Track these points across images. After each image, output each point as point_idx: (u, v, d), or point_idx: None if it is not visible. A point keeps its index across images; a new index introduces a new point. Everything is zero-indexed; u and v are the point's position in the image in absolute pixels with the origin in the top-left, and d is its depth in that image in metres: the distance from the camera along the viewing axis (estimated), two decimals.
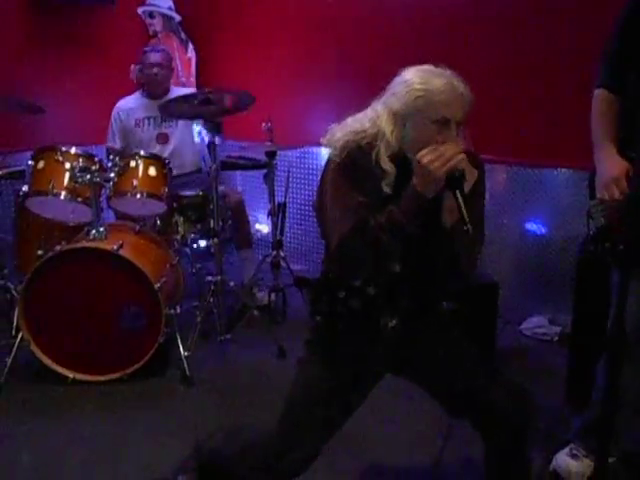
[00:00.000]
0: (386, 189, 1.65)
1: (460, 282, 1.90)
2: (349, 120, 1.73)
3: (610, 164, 1.97)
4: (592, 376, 2.26)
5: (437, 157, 1.56)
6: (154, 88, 3.84)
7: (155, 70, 3.77)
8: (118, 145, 3.84)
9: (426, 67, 1.66)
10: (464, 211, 1.55)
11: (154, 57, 3.80)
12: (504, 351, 3.21)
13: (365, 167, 1.65)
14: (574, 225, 3.36)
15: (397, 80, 1.68)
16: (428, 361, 1.82)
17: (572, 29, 3.30)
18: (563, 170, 3.53)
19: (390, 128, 1.64)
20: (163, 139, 3.86)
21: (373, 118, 1.68)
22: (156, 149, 3.73)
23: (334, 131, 1.73)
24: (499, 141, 3.53)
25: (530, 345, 3.39)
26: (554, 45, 3.38)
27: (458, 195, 1.57)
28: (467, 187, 1.60)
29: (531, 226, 3.69)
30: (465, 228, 1.55)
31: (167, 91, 3.86)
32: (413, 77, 1.63)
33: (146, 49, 3.96)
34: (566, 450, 2.30)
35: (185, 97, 3.41)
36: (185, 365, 3.00)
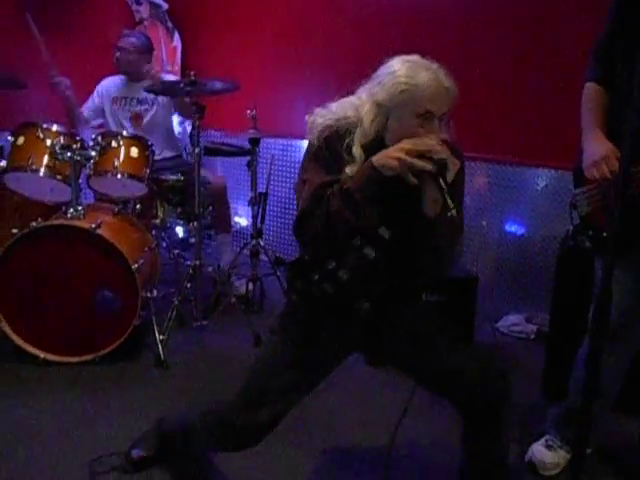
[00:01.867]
0: (348, 172, 1.64)
1: (441, 271, 1.90)
2: (333, 106, 1.73)
3: (599, 144, 1.97)
4: (568, 369, 2.28)
5: (409, 146, 1.57)
6: (125, 71, 3.85)
7: (124, 55, 3.77)
8: (85, 113, 3.85)
9: (413, 58, 1.66)
10: (448, 198, 1.56)
11: (125, 41, 3.79)
12: (481, 346, 3.21)
13: (336, 152, 1.66)
14: (554, 225, 3.41)
15: (383, 69, 1.68)
16: (403, 343, 1.82)
17: (555, 30, 3.34)
18: (544, 170, 3.55)
19: (371, 117, 1.64)
20: (137, 121, 3.85)
21: (356, 105, 1.68)
22: (129, 130, 3.69)
23: (317, 114, 1.73)
24: (480, 139, 3.56)
25: (506, 342, 3.41)
26: (537, 45, 3.42)
27: (442, 183, 1.57)
28: (450, 176, 1.61)
29: (511, 225, 3.71)
30: (449, 214, 1.55)
31: (145, 74, 3.84)
32: (400, 68, 1.63)
33: (124, 33, 3.94)
34: (541, 441, 2.31)
35: (171, 81, 3.39)
36: (160, 349, 2.96)
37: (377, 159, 1.58)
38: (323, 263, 1.70)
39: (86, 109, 3.90)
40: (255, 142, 3.48)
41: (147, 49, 3.87)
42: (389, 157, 1.57)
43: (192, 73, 3.16)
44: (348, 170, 1.64)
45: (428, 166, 1.57)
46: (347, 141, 1.65)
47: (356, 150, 1.64)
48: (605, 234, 1.97)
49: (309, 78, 4.23)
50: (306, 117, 1.75)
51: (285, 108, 4.28)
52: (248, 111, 3.47)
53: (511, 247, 3.69)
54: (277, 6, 4.38)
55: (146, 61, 3.85)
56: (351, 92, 1.76)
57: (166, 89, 3.40)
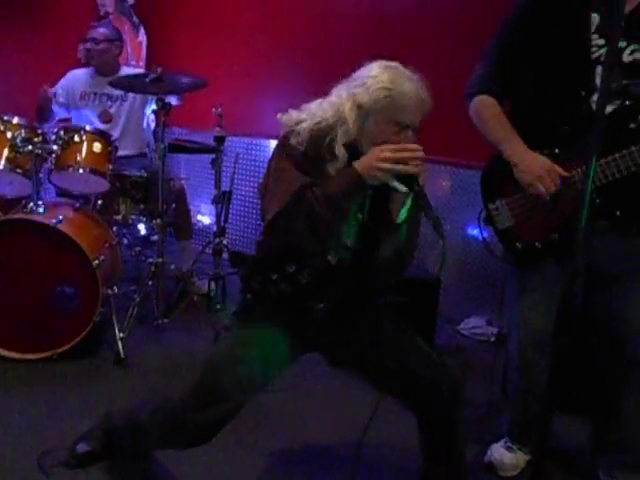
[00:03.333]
0: (331, 171, 1.67)
1: (400, 274, 1.93)
2: (312, 107, 1.73)
3: (534, 159, 1.96)
4: None
5: (396, 155, 1.60)
6: (97, 63, 3.77)
7: (94, 45, 3.70)
8: (54, 96, 3.73)
9: (395, 65, 1.70)
10: (429, 211, 1.60)
11: (95, 32, 3.74)
12: (442, 348, 3.26)
13: (318, 153, 1.67)
14: None
15: (365, 72, 1.70)
16: (359, 344, 1.84)
17: None
18: None
19: (353, 117, 1.66)
20: (106, 117, 3.77)
21: (337, 104, 1.69)
22: (99, 126, 3.63)
23: (296, 117, 1.73)
24: (442, 143, 3.60)
25: (467, 344, 3.46)
26: None
27: (417, 190, 1.62)
28: (421, 181, 1.65)
29: (473, 229, 3.76)
30: (435, 227, 1.59)
31: (115, 69, 3.79)
32: (383, 74, 1.66)
33: (92, 25, 3.88)
34: (501, 442, 2.35)
35: (136, 75, 3.35)
36: (120, 347, 2.91)
37: (362, 168, 1.61)
38: (283, 264, 1.71)
39: (54, 90, 3.77)
40: (220, 140, 3.46)
41: (117, 38, 3.80)
42: (374, 167, 1.60)
43: (158, 68, 3.13)
44: (331, 169, 1.66)
45: (413, 169, 1.61)
46: (328, 140, 1.67)
47: (339, 150, 1.66)
48: (537, 244, 2.02)
49: (275, 77, 4.22)
50: (278, 116, 1.75)
51: (251, 106, 4.27)
52: (214, 109, 3.45)
53: (473, 251, 3.73)
54: (244, 3, 4.37)
55: (117, 52, 3.79)
56: (324, 92, 1.77)
57: (131, 84, 3.35)
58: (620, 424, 2.13)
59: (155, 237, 3.48)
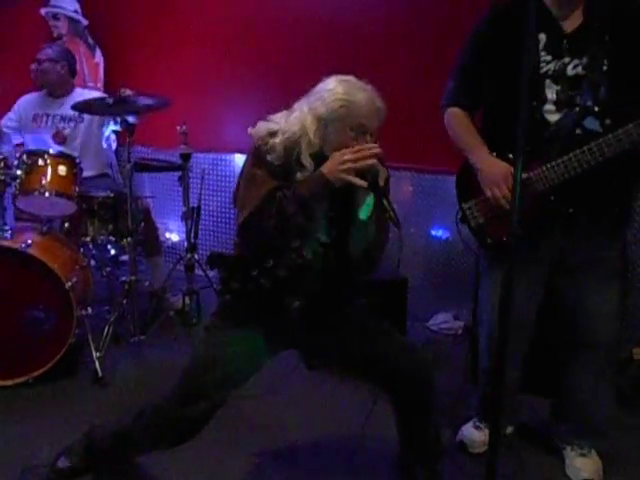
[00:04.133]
0: (300, 179, 1.82)
1: (370, 271, 2.04)
2: (281, 122, 1.88)
3: (494, 164, 2.15)
4: None
5: (355, 155, 1.76)
6: (43, 83, 3.79)
7: (38, 65, 3.73)
8: (5, 130, 3.75)
9: (349, 78, 1.87)
10: (385, 200, 1.79)
11: (39, 53, 3.75)
12: (413, 343, 3.35)
13: (288, 164, 1.82)
14: None
15: (322, 87, 1.87)
16: (336, 337, 1.97)
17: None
18: None
19: (314, 129, 1.82)
20: (60, 138, 3.78)
21: (300, 118, 1.85)
22: (53, 148, 3.62)
23: (263, 126, 1.88)
24: (405, 149, 3.70)
25: (437, 339, 3.60)
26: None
27: (380, 188, 1.81)
28: (381, 181, 1.82)
29: (436, 231, 3.88)
30: (391, 219, 1.78)
31: (67, 89, 3.81)
32: (338, 86, 1.84)
33: (42, 46, 3.89)
34: (471, 423, 2.53)
35: (100, 98, 3.39)
36: (97, 366, 2.93)
37: (328, 171, 1.77)
38: (261, 261, 1.83)
39: (4, 127, 3.81)
40: (186, 157, 3.51)
41: (62, 58, 3.79)
42: (338, 170, 1.75)
43: (123, 90, 3.17)
44: (299, 175, 1.82)
45: (373, 161, 1.77)
46: (296, 152, 1.82)
47: (305, 159, 1.82)
48: (504, 239, 2.13)
49: (238, 92, 4.27)
50: (249, 130, 1.88)
51: (214, 123, 4.32)
52: (178, 127, 3.49)
53: (437, 251, 3.86)
54: (202, 21, 4.41)
55: (62, 71, 3.77)
56: (284, 106, 1.92)
57: (92, 107, 3.37)
58: (572, 398, 2.35)
59: (124, 257, 3.51)
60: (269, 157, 1.81)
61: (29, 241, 2.89)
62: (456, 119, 2.30)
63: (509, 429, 2.52)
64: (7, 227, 2.95)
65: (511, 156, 2.11)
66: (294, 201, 1.75)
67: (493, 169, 2.13)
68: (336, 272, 1.91)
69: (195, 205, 3.69)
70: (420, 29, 3.69)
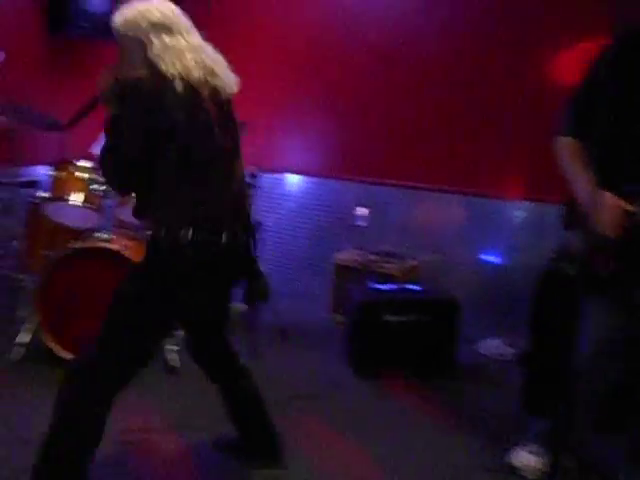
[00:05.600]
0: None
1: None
2: None
3: (598, 197, 2.08)
4: (548, 387, 2.61)
5: None
6: None
7: None
8: None
9: None
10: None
11: None
12: (464, 366, 3.57)
13: None
14: (531, 255, 3.64)
15: None
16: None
17: (536, 66, 3.72)
18: (522, 203, 3.88)
19: None
20: None
21: None
22: None
23: None
24: (456, 173, 3.91)
25: (487, 363, 3.73)
26: (520, 83, 3.76)
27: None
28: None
29: (490, 255, 4.02)
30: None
31: None
32: None
33: None
34: (526, 448, 2.58)
35: None
36: (168, 357, 3.34)
37: None
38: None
39: None
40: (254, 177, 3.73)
41: None
42: None
43: None
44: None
45: None
46: None
47: None
48: (603, 273, 2.13)
49: (289, 117, 4.36)
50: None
51: (268, 144, 4.33)
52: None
53: (491, 276, 3.98)
54: (264, 46, 4.56)
55: None
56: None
57: None
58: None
59: None
60: None
61: (125, 244, 3.33)
62: (565, 149, 2.23)
63: (570, 463, 2.42)
64: (109, 232, 3.42)
65: (625, 188, 2.06)
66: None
67: (597, 203, 2.07)
68: None
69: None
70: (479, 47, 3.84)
